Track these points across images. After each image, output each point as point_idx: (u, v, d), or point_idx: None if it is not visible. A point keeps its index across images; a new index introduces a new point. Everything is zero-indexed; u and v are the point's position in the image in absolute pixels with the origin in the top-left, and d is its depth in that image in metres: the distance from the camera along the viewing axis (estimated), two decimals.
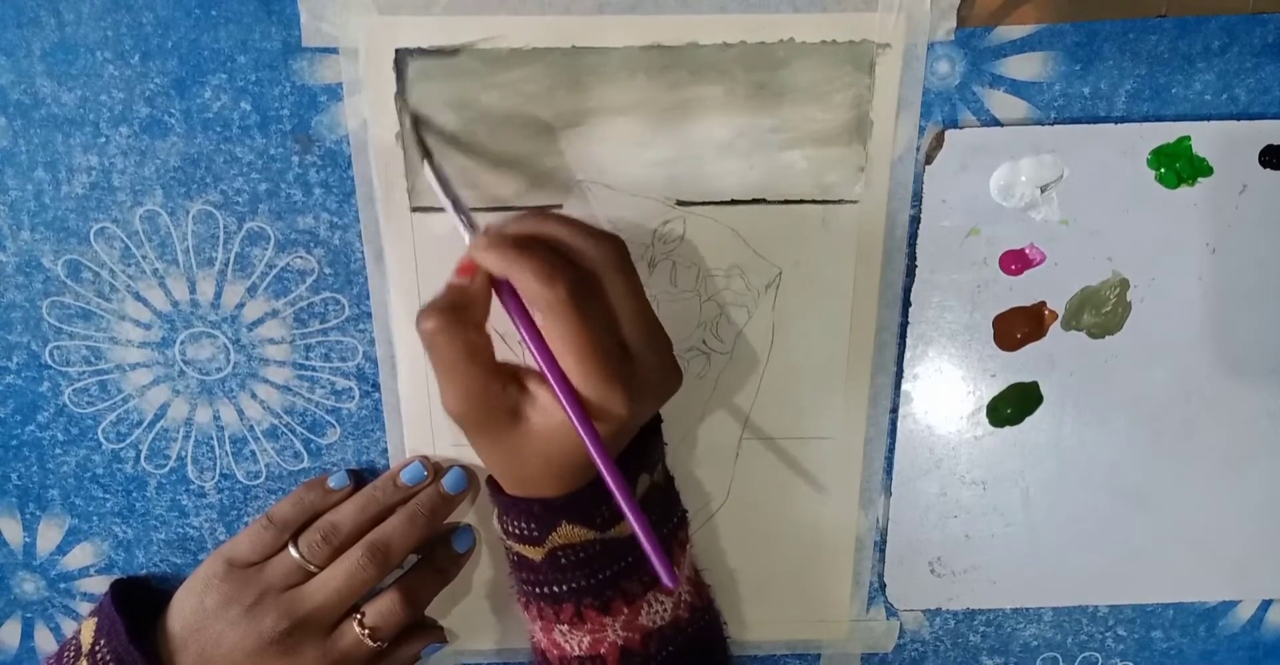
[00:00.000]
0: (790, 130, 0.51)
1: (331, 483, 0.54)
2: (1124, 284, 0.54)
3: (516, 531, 0.47)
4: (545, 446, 0.44)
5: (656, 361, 0.44)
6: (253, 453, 0.56)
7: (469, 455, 0.56)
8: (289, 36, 0.48)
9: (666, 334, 0.46)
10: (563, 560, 0.46)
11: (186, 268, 0.52)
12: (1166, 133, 0.51)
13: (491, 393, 0.44)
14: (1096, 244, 0.53)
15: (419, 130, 0.49)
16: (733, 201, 0.52)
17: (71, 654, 0.50)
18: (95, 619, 0.52)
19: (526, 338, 0.43)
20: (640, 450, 0.49)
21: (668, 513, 0.51)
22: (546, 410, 0.44)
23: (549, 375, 0.42)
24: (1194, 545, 0.61)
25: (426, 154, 0.49)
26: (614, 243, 0.44)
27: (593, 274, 0.42)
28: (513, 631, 0.61)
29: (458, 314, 0.43)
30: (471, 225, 0.47)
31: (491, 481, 0.50)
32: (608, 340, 0.42)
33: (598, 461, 0.42)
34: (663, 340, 0.45)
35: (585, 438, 0.42)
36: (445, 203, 0.48)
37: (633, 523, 0.42)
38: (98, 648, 0.50)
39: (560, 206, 0.51)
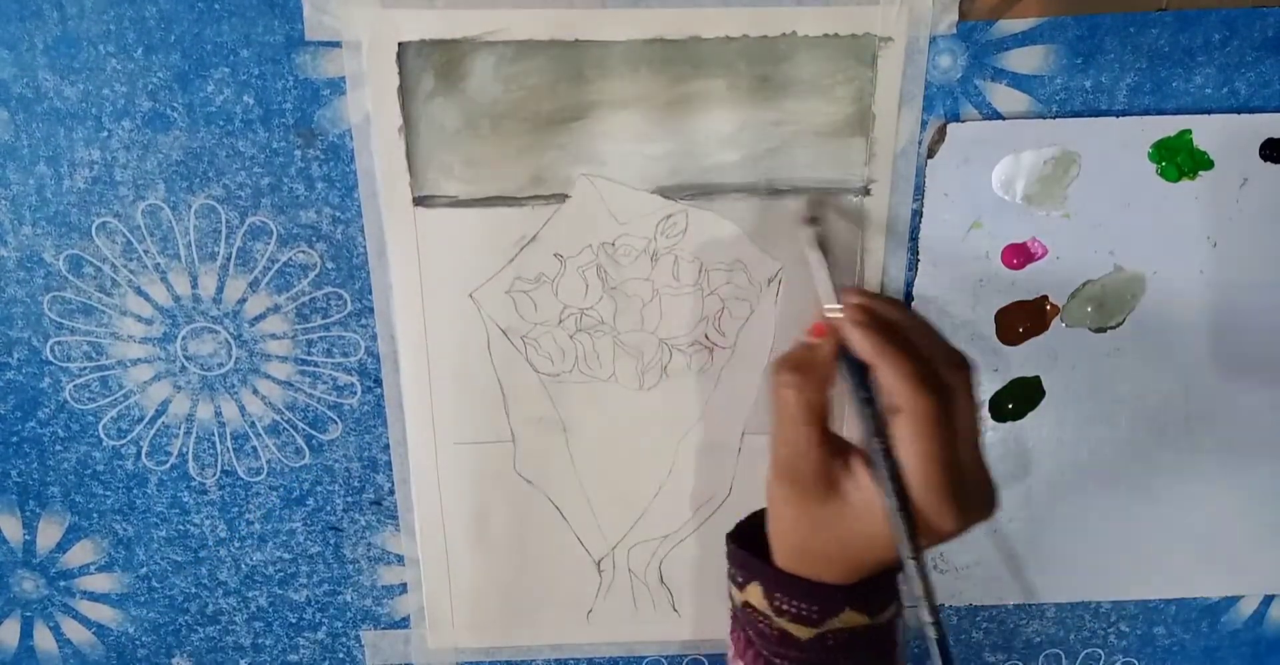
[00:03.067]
0: (793, 124, 0.51)
1: None
2: (1126, 278, 0.54)
3: (791, 610, 0.46)
4: (849, 526, 0.44)
5: (981, 490, 0.44)
6: (254, 449, 0.56)
7: (470, 454, 0.56)
8: (292, 30, 0.48)
9: (988, 464, 0.45)
10: (830, 642, 0.46)
11: (188, 262, 0.52)
12: (1168, 126, 0.52)
13: (817, 457, 0.44)
14: (1098, 237, 0.53)
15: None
16: (735, 195, 0.52)
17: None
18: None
19: (865, 425, 0.43)
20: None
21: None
22: (863, 491, 0.43)
23: (883, 474, 0.42)
24: (1196, 541, 0.61)
25: (813, 220, 0.50)
26: (971, 366, 0.44)
27: (949, 390, 0.42)
28: (513, 631, 0.61)
29: (805, 372, 0.44)
30: (835, 289, 0.47)
31: (755, 555, 0.48)
32: (953, 459, 0.42)
33: (913, 575, 0.42)
34: (987, 470, 0.45)
35: (904, 551, 0.42)
36: (819, 265, 0.48)
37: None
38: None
39: (567, 197, 0.51)
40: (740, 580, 0.48)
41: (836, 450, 0.44)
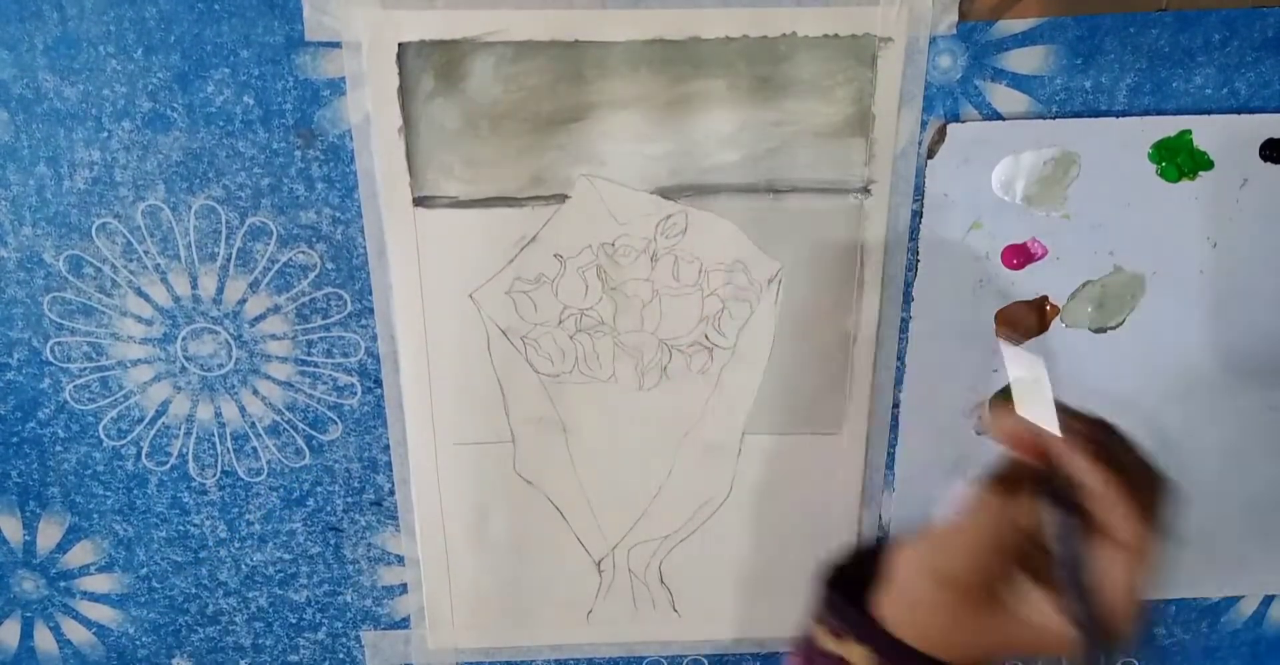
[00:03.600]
0: (793, 124, 0.51)
1: None
2: (1126, 278, 0.54)
3: None
4: (1003, 633, 0.43)
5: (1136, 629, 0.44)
6: (254, 449, 0.56)
7: (470, 454, 0.56)
8: (292, 31, 0.48)
9: None
10: None
11: (188, 263, 0.52)
12: (1167, 126, 0.51)
13: (991, 561, 0.42)
14: (1098, 238, 0.53)
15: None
16: (735, 195, 0.52)
17: None
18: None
19: (1063, 550, 0.41)
20: None
21: None
22: (1031, 607, 0.42)
23: (1074, 598, 0.41)
24: (1196, 541, 0.61)
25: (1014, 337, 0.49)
26: (1172, 491, 0.43)
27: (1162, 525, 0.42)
28: (513, 631, 0.61)
29: (1010, 486, 0.43)
30: (1055, 409, 0.44)
31: (864, 611, 0.45)
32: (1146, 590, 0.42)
33: None
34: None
35: None
36: (1044, 393, 0.46)
37: None
38: None
39: (567, 198, 0.51)
40: (838, 633, 0.45)
41: (1012, 558, 0.43)
